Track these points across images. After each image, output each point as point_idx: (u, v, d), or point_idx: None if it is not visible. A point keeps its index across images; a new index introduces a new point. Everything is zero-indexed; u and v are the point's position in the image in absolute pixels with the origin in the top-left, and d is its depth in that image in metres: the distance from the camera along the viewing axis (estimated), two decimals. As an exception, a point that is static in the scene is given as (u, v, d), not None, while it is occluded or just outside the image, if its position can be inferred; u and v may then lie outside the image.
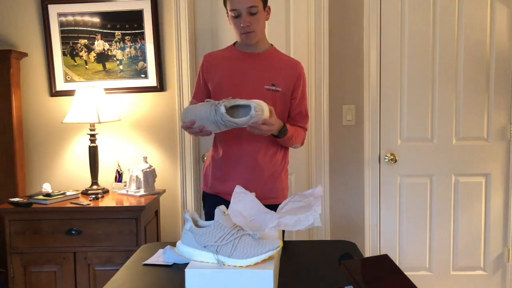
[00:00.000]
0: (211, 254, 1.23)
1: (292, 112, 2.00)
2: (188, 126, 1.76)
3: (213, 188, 2.00)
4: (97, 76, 2.89)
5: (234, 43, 2.02)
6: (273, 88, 1.90)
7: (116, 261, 2.49)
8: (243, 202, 1.56)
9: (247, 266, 1.20)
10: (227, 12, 1.90)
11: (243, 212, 1.54)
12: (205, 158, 2.94)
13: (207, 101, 1.74)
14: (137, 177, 2.69)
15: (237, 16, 1.84)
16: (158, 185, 2.88)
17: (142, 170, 2.68)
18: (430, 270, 2.96)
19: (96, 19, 2.85)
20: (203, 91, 2.01)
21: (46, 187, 2.70)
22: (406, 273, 1.57)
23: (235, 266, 1.20)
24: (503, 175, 2.90)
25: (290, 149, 2.07)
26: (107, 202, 2.59)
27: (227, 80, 1.93)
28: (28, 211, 2.49)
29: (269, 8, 1.93)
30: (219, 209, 1.26)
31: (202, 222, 1.30)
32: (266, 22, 1.93)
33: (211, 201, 2.00)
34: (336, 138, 2.90)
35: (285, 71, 1.94)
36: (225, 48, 2.06)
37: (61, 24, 2.85)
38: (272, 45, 2.02)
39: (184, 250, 1.27)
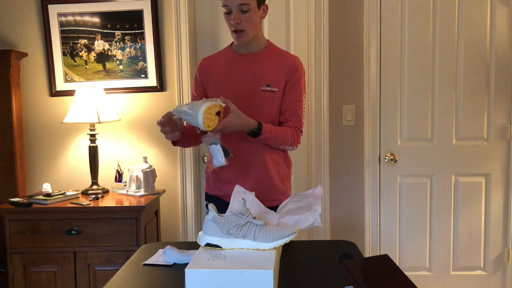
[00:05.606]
0: (237, 240, 1.31)
1: (281, 107, 1.89)
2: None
3: (215, 191, 2.00)
4: (97, 76, 2.89)
5: (232, 43, 1.96)
6: (269, 89, 1.85)
7: (116, 261, 2.49)
8: (243, 202, 1.57)
9: (251, 264, 1.20)
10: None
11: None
12: (205, 158, 2.94)
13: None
14: (137, 177, 2.69)
15: (228, 13, 1.78)
16: (158, 185, 2.88)
17: (142, 170, 2.68)
18: (430, 270, 2.96)
19: (96, 19, 2.84)
20: (201, 93, 1.97)
21: (46, 187, 2.70)
22: (406, 273, 1.57)
23: (258, 249, 1.29)
24: (503, 175, 2.90)
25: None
26: (107, 202, 2.59)
27: (223, 84, 1.89)
28: (28, 211, 2.49)
29: (266, 7, 1.87)
30: (241, 200, 1.34)
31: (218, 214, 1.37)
32: (265, 21, 1.89)
33: (213, 203, 1.99)
34: (336, 138, 2.90)
35: (279, 69, 1.87)
36: (223, 49, 2.01)
37: (61, 24, 2.85)
38: (268, 41, 1.95)
39: (211, 239, 1.33)
